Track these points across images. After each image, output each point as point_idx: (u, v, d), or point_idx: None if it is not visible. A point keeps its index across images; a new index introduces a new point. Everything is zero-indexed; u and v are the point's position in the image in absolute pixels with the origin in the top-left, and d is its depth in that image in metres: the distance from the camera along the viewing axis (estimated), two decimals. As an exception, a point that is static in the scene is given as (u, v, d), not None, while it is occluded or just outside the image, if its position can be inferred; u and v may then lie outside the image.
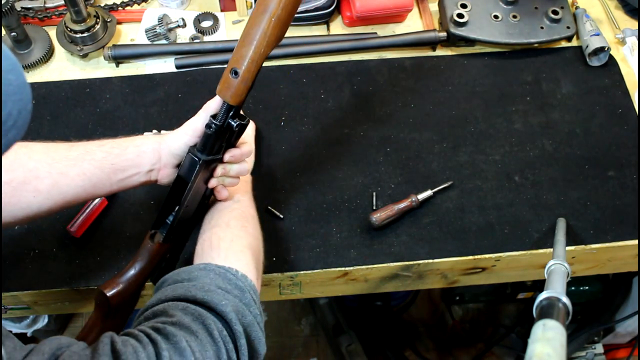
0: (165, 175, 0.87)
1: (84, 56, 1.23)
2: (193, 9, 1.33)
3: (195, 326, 0.67)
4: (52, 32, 1.25)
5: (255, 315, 0.73)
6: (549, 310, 0.72)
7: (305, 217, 1.08)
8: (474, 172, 1.13)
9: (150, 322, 0.68)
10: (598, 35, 1.25)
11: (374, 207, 1.08)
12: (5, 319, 1.50)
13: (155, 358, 0.63)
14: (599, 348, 1.76)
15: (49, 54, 1.23)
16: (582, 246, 1.07)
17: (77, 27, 1.19)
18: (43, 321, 1.68)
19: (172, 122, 1.16)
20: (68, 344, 0.62)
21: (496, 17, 1.27)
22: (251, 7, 1.30)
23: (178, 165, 0.86)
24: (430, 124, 1.19)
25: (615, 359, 1.86)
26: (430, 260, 1.05)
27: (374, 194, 1.10)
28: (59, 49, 1.24)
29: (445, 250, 1.05)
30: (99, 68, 1.24)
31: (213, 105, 0.82)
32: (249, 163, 1.00)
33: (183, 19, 1.23)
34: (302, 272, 1.03)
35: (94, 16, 1.20)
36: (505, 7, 1.29)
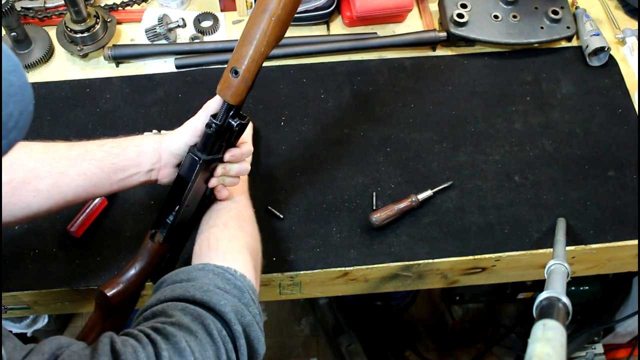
0: (166, 174, 0.87)
1: (84, 56, 1.23)
2: (193, 9, 1.33)
3: (195, 326, 0.67)
4: (52, 32, 1.25)
5: (254, 315, 0.73)
6: (549, 310, 0.72)
7: (305, 217, 1.08)
8: (474, 172, 1.13)
9: (150, 322, 0.68)
10: (598, 35, 1.25)
11: (374, 207, 1.08)
12: (5, 319, 1.50)
13: (155, 358, 0.63)
14: (599, 348, 1.76)
15: (49, 54, 1.23)
16: (582, 246, 1.07)
17: (77, 27, 1.19)
18: (43, 321, 1.68)
19: (172, 122, 1.16)
20: (68, 344, 0.62)
21: (496, 17, 1.27)
22: (251, 7, 1.30)
23: (178, 165, 0.86)
24: (430, 124, 1.19)
25: (615, 359, 1.86)
26: (430, 260, 1.05)
27: (374, 194, 1.10)
28: (59, 49, 1.24)
29: (445, 250, 1.05)
30: (99, 68, 1.24)
31: (213, 105, 0.82)
32: (249, 163, 1.00)
33: (183, 19, 1.23)
34: (302, 272, 1.03)
35: (94, 16, 1.20)
36: (505, 7, 1.29)
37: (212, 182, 0.86)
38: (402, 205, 1.06)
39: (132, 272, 0.84)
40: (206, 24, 1.30)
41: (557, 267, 0.85)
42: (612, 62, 1.26)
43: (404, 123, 1.19)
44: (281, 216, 1.07)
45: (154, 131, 1.14)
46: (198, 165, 0.82)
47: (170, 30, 1.24)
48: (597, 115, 1.21)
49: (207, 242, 0.82)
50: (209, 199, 0.90)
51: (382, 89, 1.23)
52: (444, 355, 2.05)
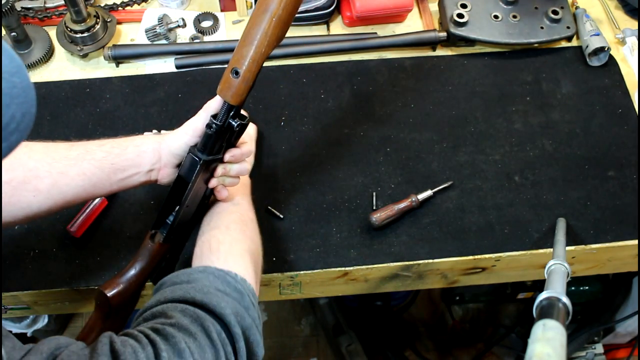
0: (166, 175, 0.87)
1: (84, 56, 1.23)
2: (193, 9, 1.33)
3: (194, 328, 0.67)
4: (52, 32, 1.25)
5: (254, 319, 0.73)
6: (549, 310, 0.72)
7: (305, 217, 1.08)
8: (474, 172, 1.13)
9: (149, 323, 0.68)
10: (598, 35, 1.25)
11: (374, 207, 1.08)
12: (5, 319, 1.50)
13: (155, 359, 0.63)
14: (599, 348, 1.75)
15: (49, 54, 1.23)
16: (582, 246, 1.07)
17: (77, 27, 1.19)
18: (43, 321, 1.68)
19: (172, 122, 1.16)
20: (67, 344, 0.62)
21: (496, 17, 1.27)
22: (251, 7, 1.30)
23: (178, 165, 0.86)
24: (430, 124, 1.19)
25: (615, 359, 1.86)
26: (430, 260, 1.05)
27: (374, 194, 1.10)
28: (59, 49, 1.24)
29: (445, 250, 1.05)
30: (99, 68, 1.24)
31: (213, 105, 0.82)
32: (249, 163, 1.00)
33: (183, 19, 1.23)
34: (302, 272, 1.03)
35: (94, 16, 1.20)
36: (505, 7, 1.29)
37: (212, 183, 0.86)
38: (402, 205, 1.06)
39: (132, 272, 0.84)
40: (206, 24, 1.30)
41: (557, 267, 0.85)
42: (612, 62, 1.26)
43: (404, 123, 1.19)
44: (281, 216, 1.07)
45: (154, 131, 1.14)
46: (198, 166, 0.82)
47: (170, 30, 1.24)
48: (597, 115, 1.21)
49: (209, 244, 0.82)
50: (209, 199, 0.90)
51: (382, 89, 1.23)
52: (444, 355, 2.05)
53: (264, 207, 1.07)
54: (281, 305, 2.11)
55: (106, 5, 1.29)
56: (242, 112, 0.84)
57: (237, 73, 0.75)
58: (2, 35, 1.19)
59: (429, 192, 1.09)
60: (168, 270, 0.90)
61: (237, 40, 1.26)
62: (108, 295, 0.82)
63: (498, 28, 1.26)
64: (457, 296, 1.91)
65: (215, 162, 0.84)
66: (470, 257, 1.05)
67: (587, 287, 1.78)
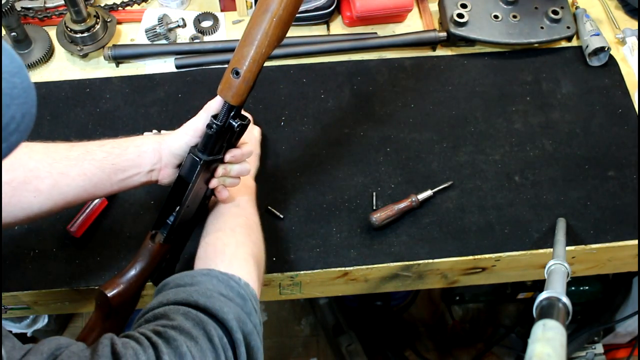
0: (166, 175, 0.87)
1: (84, 56, 1.23)
2: (193, 9, 1.33)
3: (196, 332, 0.67)
4: (52, 32, 1.25)
5: (255, 325, 0.73)
6: (549, 310, 0.72)
7: (305, 217, 1.08)
8: (474, 172, 1.13)
9: (151, 324, 0.68)
10: (598, 35, 1.25)
11: (374, 207, 1.08)
12: (5, 319, 1.50)
13: None
14: (599, 348, 1.76)
15: (49, 54, 1.23)
16: (582, 246, 1.07)
17: (77, 27, 1.19)
18: (43, 321, 1.68)
19: (172, 122, 1.16)
20: (67, 344, 0.62)
21: (496, 17, 1.27)
22: (251, 7, 1.30)
23: (179, 166, 0.86)
24: (430, 124, 1.19)
25: (615, 359, 1.86)
26: (430, 260, 1.05)
27: (374, 194, 1.10)
28: (59, 49, 1.24)
29: (445, 250, 1.05)
30: (99, 68, 1.24)
31: (214, 106, 0.82)
32: (252, 164, 1.00)
33: (183, 19, 1.23)
34: (302, 272, 1.03)
35: (94, 16, 1.20)
36: (505, 7, 1.29)
37: (213, 183, 0.86)
38: (402, 205, 1.06)
39: (133, 272, 0.84)
40: (206, 24, 1.30)
41: (557, 267, 0.85)
42: (612, 62, 1.26)
43: (404, 123, 1.19)
44: (281, 216, 1.07)
45: (154, 131, 1.14)
46: (199, 166, 0.81)
47: (170, 30, 1.24)
48: (597, 115, 1.21)
49: (214, 246, 0.82)
50: (210, 199, 0.90)
51: (382, 89, 1.23)
52: (444, 355, 2.05)
53: (264, 207, 1.07)
54: (281, 305, 2.11)
55: (106, 5, 1.29)
56: (244, 113, 0.84)
57: (237, 73, 0.75)
58: (2, 35, 1.19)
59: (429, 192, 1.09)
60: (168, 271, 0.90)
61: (237, 40, 1.26)
62: (108, 295, 0.82)
63: (498, 28, 1.26)
64: (457, 296, 1.91)
65: (216, 162, 0.84)
66: (470, 257, 1.05)
67: (587, 287, 1.78)
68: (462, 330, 2.06)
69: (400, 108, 1.20)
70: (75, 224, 1.02)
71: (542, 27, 1.27)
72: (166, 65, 1.24)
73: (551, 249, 1.02)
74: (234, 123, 0.80)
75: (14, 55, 0.46)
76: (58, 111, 1.17)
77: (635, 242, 1.07)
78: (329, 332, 1.93)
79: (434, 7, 1.33)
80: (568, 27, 1.27)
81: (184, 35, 1.29)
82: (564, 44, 1.30)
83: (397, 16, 1.30)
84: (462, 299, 1.93)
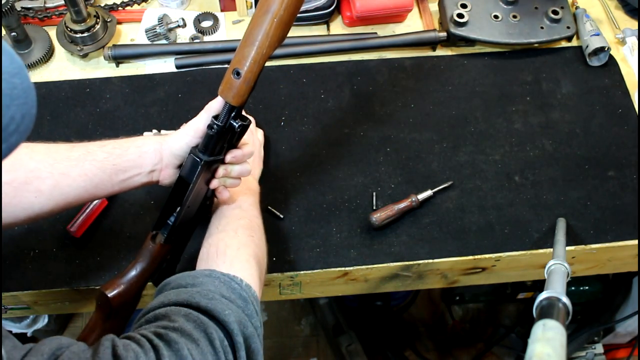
0: (167, 176, 0.87)
1: (84, 56, 1.23)
2: (193, 9, 1.33)
3: (197, 334, 0.67)
4: (52, 32, 1.25)
5: (256, 327, 0.73)
6: (549, 310, 0.72)
7: (305, 217, 1.08)
8: (474, 172, 1.13)
9: (152, 326, 0.68)
10: (598, 35, 1.25)
11: (374, 207, 1.08)
12: (5, 319, 1.50)
13: None
14: (599, 348, 1.76)
15: (49, 54, 1.23)
16: (582, 246, 1.07)
17: (77, 27, 1.19)
18: (43, 321, 1.68)
19: (172, 122, 1.16)
20: (68, 344, 0.62)
21: (496, 17, 1.27)
22: (251, 7, 1.30)
23: (179, 166, 0.86)
24: (430, 124, 1.19)
25: (615, 359, 1.86)
26: (430, 260, 1.05)
27: (374, 194, 1.10)
28: (59, 49, 1.24)
29: (445, 250, 1.05)
30: (99, 68, 1.24)
31: (215, 106, 0.82)
32: (254, 166, 1.00)
33: (183, 19, 1.23)
34: (302, 272, 1.03)
35: (94, 16, 1.20)
36: (505, 7, 1.29)
37: (214, 184, 0.86)
38: (402, 205, 1.06)
39: (133, 273, 0.84)
40: (206, 24, 1.30)
41: (557, 267, 0.85)
42: (612, 62, 1.26)
43: (404, 123, 1.19)
44: (281, 216, 1.07)
45: (154, 131, 1.14)
46: (199, 167, 0.82)
47: (170, 30, 1.24)
48: (597, 115, 1.21)
49: (216, 247, 0.82)
50: (211, 200, 0.90)
51: (382, 89, 1.23)
52: (444, 355, 2.05)
53: (264, 207, 1.06)
54: (281, 305, 2.11)
55: (106, 5, 1.29)
56: (247, 115, 0.84)
57: (238, 74, 0.75)
58: (2, 35, 1.19)
59: (429, 192, 1.09)
60: (169, 271, 0.90)
61: (237, 40, 1.27)
62: (109, 295, 0.82)
63: (498, 28, 1.26)
64: (457, 296, 1.92)
65: (217, 163, 0.84)
66: (470, 257, 1.05)
67: (587, 287, 1.78)
68: (462, 330, 2.07)
69: (400, 108, 1.20)
70: (75, 224, 1.02)
71: (542, 27, 1.27)
72: (166, 65, 1.24)
73: (551, 249, 1.02)
74: (234, 123, 0.80)
75: (14, 56, 0.46)
76: (58, 111, 1.17)
77: (635, 242, 1.07)
78: (329, 332, 1.93)
79: (434, 7, 1.33)
80: (568, 27, 1.27)
81: (184, 35, 1.29)
82: (564, 44, 1.30)
83: (397, 16, 1.30)
84: (462, 299, 1.93)
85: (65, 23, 1.19)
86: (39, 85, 1.19)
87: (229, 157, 0.85)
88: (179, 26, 1.24)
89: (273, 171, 1.12)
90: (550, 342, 0.65)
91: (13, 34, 1.17)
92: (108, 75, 1.22)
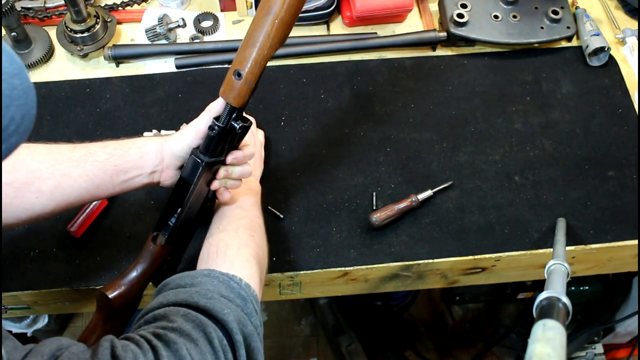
0: (168, 177, 0.87)
1: (84, 56, 1.23)
2: (193, 9, 1.33)
3: (196, 334, 0.67)
4: (52, 32, 1.25)
5: (255, 326, 0.73)
6: (549, 310, 0.72)
7: (305, 217, 1.08)
8: (474, 172, 1.13)
9: (151, 326, 0.68)
10: (598, 35, 1.25)
11: (374, 207, 1.08)
12: (5, 319, 1.50)
13: None
14: (599, 348, 1.76)
15: (49, 54, 1.23)
16: (582, 246, 1.07)
17: (77, 27, 1.19)
18: (43, 321, 1.68)
19: (172, 122, 1.16)
20: (68, 345, 0.62)
21: (496, 17, 1.27)
22: (251, 7, 1.30)
23: (180, 167, 0.86)
24: (430, 124, 1.19)
25: (615, 359, 1.86)
26: (430, 260, 1.05)
27: (374, 194, 1.10)
28: (59, 49, 1.24)
29: (445, 250, 1.05)
30: (99, 68, 1.24)
31: (216, 107, 0.82)
32: (255, 167, 1.00)
33: (183, 19, 1.23)
34: (302, 272, 1.03)
35: (94, 16, 1.20)
36: (505, 7, 1.29)
37: (215, 185, 0.86)
38: (402, 205, 1.06)
39: (134, 274, 0.84)
40: (206, 24, 1.30)
41: (557, 267, 0.85)
42: (612, 62, 1.26)
43: (404, 123, 1.19)
44: (281, 216, 1.07)
45: (154, 131, 1.14)
46: (200, 168, 0.82)
47: (170, 30, 1.24)
48: (597, 115, 1.21)
49: (216, 247, 0.82)
50: (212, 201, 0.90)
51: (382, 89, 1.23)
52: (444, 355, 2.05)
53: (264, 207, 1.07)
54: (281, 305, 2.11)
55: (106, 5, 1.29)
56: (248, 116, 0.84)
57: (239, 75, 0.75)
58: (2, 35, 1.19)
59: (429, 192, 1.09)
60: (170, 273, 0.90)
61: (237, 40, 1.27)
62: (110, 297, 0.82)
63: (498, 28, 1.26)
64: (457, 296, 1.92)
65: (218, 164, 0.84)
66: (470, 257, 1.05)
67: (587, 287, 1.78)
68: (462, 330, 2.07)
69: (400, 108, 1.20)
70: (75, 224, 1.02)
71: (542, 27, 1.27)
72: (166, 65, 1.24)
73: (551, 249, 1.02)
74: (235, 125, 0.80)
75: (13, 56, 0.46)
76: (58, 111, 1.17)
77: (635, 242, 1.07)
78: (329, 332, 1.94)
79: (434, 7, 1.33)
80: (568, 27, 1.27)
81: (184, 35, 1.29)
82: (564, 44, 1.30)
83: (397, 16, 1.30)
84: (462, 299, 1.93)
85: (65, 23, 1.19)
86: (39, 85, 1.19)
87: (230, 158, 0.85)
88: (179, 26, 1.24)
89: (273, 171, 1.12)
90: (550, 342, 0.65)
91: (13, 34, 1.17)
92: (108, 75, 1.22)
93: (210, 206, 0.90)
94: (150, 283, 0.87)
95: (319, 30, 1.31)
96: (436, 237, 1.07)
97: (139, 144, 0.85)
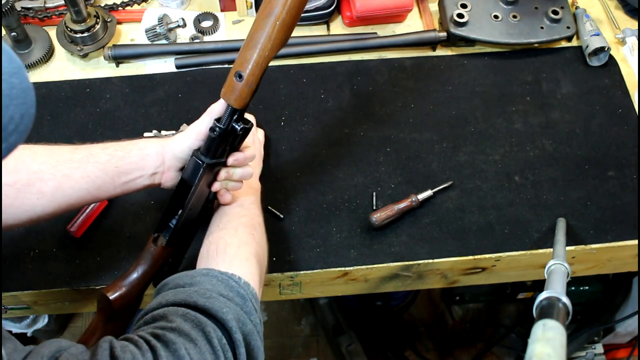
0: (169, 178, 0.87)
1: (84, 56, 1.23)
2: (193, 9, 1.33)
3: (195, 333, 0.67)
4: (52, 32, 1.25)
5: (255, 324, 0.73)
6: (549, 310, 0.72)
7: (305, 217, 1.08)
8: (474, 172, 1.13)
9: (150, 327, 0.68)
10: (598, 35, 1.25)
11: (374, 207, 1.08)
12: (5, 319, 1.50)
13: None
14: (599, 348, 1.76)
15: (49, 54, 1.23)
16: (582, 246, 1.07)
17: (77, 27, 1.19)
18: (43, 321, 1.68)
19: (172, 122, 1.16)
20: (67, 347, 0.62)
21: (496, 17, 1.27)
22: (251, 7, 1.30)
23: (182, 169, 0.86)
24: (430, 124, 1.19)
25: (615, 359, 1.86)
26: (430, 260, 1.05)
27: (374, 194, 1.10)
28: (59, 49, 1.24)
29: (445, 250, 1.05)
30: (99, 68, 1.24)
31: (217, 109, 0.82)
32: (255, 166, 1.00)
33: (183, 19, 1.23)
34: (302, 272, 1.03)
35: (94, 16, 1.20)
36: (505, 7, 1.29)
37: (216, 186, 0.86)
38: (402, 205, 1.06)
39: (135, 275, 0.84)
40: (206, 24, 1.30)
41: (557, 267, 0.85)
42: (612, 62, 1.26)
43: (404, 123, 1.19)
44: (281, 216, 1.07)
45: (154, 131, 1.14)
46: (201, 169, 0.81)
47: (170, 30, 1.24)
48: (597, 115, 1.21)
49: (216, 245, 0.82)
50: (213, 203, 0.90)
51: (382, 89, 1.23)
52: (444, 355, 2.05)
53: (264, 207, 1.07)
54: (281, 305, 2.11)
55: (106, 5, 1.29)
56: (248, 116, 0.84)
57: (240, 77, 0.75)
58: (2, 35, 1.19)
59: (429, 192, 1.09)
60: (171, 274, 0.90)
61: (237, 40, 1.27)
62: (110, 298, 0.82)
63: (498, 28, 1.26)
64: (457, 296, 1.92)
65: (219, 165, 0.84)
66: (470, 257, 1.06)
67: (587, 287, 1.78)
68: (462, 330, 2.07)
69: (400, 108, 1.20)
70: (75, 224, 1.02)
71: (542, 27, 1.27)
72: (166, 65, 1.24)
73: (551, 249, 1.02)
74: (237, 126, 0.80)
75: (12, 56, 0.46)
76: (58, 111, 1.17)
77: (635, 242, 1.07)
78: (329, 332, 1.94)
79: (434, 7, 1.33)
80: (568, 27, 1.27)
81: (184, 35, 1.29)
82: (564, 44, 1.30)
83: (397, 16, 1.30)
84: (462, 299, 1.93)
85: (65, 23, 1.19)
86: (39, 85, 1.19)
87: (231, 160, 0.85)
88: (179, 26, 1.24)
89: (273, 171, 1.12)
90: (550, 342, 0.65)
91: (13, 34, 1.17)
92: (108, 75, 1.22)
93: (211, 208, 0.90)
94: (151, 284, 0.87)
95: (319, 30, 1.31)
96: (436, 237, 1.07)
97: (140, 145, 0.85)
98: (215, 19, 1.30)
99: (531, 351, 0.64)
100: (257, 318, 0.75)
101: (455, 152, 1.15)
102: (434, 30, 1.26)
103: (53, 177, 0.79)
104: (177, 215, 0.85)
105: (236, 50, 1.22)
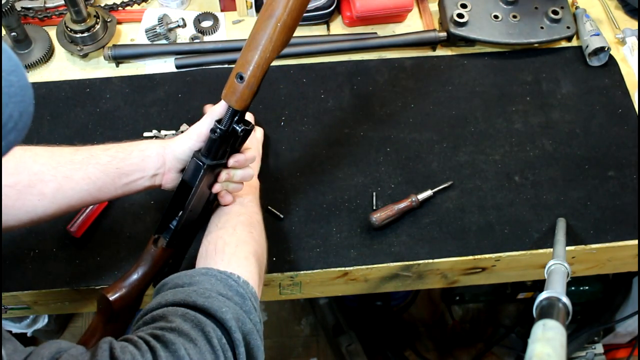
0: (170, 179, 0.87)
1: (84, 56, 1.23)
2: (193, 9, 1.33)
3: (195, 333, 0.67)
4: (52, 32, 1.25)
5: (255, 323, 0.73)
6: (549, 310, 0.72)
7: (305, 217, 1.08)
8: (474, 172, 1.13)
9: (149, 327, 0.68)
10: (598, 35, 1.25)
11: (374, 207, 1.08)
12: (5, 319, 1.50)
13: None
14: (599, 348, 1.76)
15: (49, 54, 1.23)
16: (582, 246, 1.07)
17: (77, 27, 1.19)
18: (43, 321, 1.68)
19: (172, 122, 1.16)
20: (67, 348, 0.62)
21: (496, 17, 1.27)
22: (251, 7, 1.30)
23: (182, 170, 0.86)
24: (430, 124, 1.19)
25: (615, 359, 1.86)
26: (430, 260, 1.05)
27: (374, 194, 1.10)
28: (59, 49, 1.24)
29: (445, 250, 1.05)
30: (99, 68, 1.24)
31: (218, 110, 0.82)
32: (255, 168, 1.00)
33: (183, 19, 1.23)
34: (302, 272, 1.03)
35: (94, 16, 1.20)
36: (505, 7, 1.29)
37: (216, 188, 0.86)
38: (402, 205, 1.06)
39: (135, 276, 0.84)
40: (206, 24, 1.30)
41: (557, 267, 0.85)
42: (612, 62, 1.26)
43: (404, 123, 1.19)
44: (281, 216, 1.07)
45: (154, 131, 1.14)
46: (202, 170, 0.81)
47: (170, 30, 1.24)
48: (597, 115, 1.21)
49: (214, 244, 0.82)
50: (213, 204, 0.90)
51: (382, 89, 1.23)
52: (444, 355, 2.05)
53: (264, 207, 1.07)
54: (281, 305, 2.11)
55: (106, 5, 1.29)
56: (248, 116, 0.84)
57: (241, 78, 0.75)
58: (2, 35, 1.19)
59: (429, 192, 1.09)
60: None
61: (237, 40, 1.27)
62: (110, 299, 0.82)
63: (498, 28, 1.26)
64: (457, 296, 1.92)
65: (219, 167, 0.84)
66: (470, 257, 1.06)
67: (587, 287, 1.78)
68: (462, 330, 2.07)
69: (400, 108, 1.20)
70: (75, 224, 1.02)
71: (542, 27, 1.27)
72: (166, 65, 1.24)
73: (551, 249, 1.02)
74: (237, 128, 0.80)
75: (10, 54, 0.46)
76: (58, 111, 1.17)
77: (635, 242, 1.07)
78: (329, 332, 1.94)
79: (434, 7, 1.33)
80: (568, 27, 1.27)
81: (184, 35, 1.29)
82: (564, 44, 1.30)
83: (397, 16, 1.30)
84: (462, 299, 1.93)
85: (65, 23, 1.19)
86: (38, 85, 1.19)
87: (231, 161, 0.85)
88: (179, 26, 1.24)
89: (273, 171, 1.12)
90: (550, 342, 0.65)
91: (13, 34, 1.17)
92: (108, 75, 1.22)
93: (211, 209, 0.90)
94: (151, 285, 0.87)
95: (319, 30, 1.31)
96: (436, 237, 1.07)
97: (141, 147, 0.85)
98: (215, 19, 1.30)
99: (531, 351, 0.64)
100: (257, 317, 0.75)
101: (455, 152, 1.15)
102: (434, 30, 1.26)
103: (54, 178, 0.79)
104: (178, 216, 0.85)
105: (236, 50, 1.23)
